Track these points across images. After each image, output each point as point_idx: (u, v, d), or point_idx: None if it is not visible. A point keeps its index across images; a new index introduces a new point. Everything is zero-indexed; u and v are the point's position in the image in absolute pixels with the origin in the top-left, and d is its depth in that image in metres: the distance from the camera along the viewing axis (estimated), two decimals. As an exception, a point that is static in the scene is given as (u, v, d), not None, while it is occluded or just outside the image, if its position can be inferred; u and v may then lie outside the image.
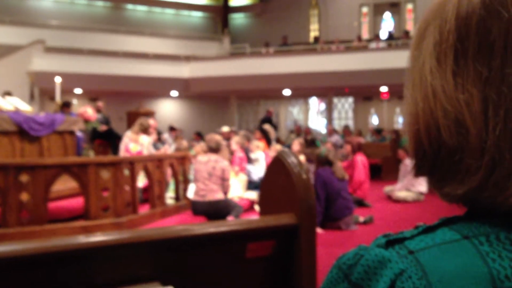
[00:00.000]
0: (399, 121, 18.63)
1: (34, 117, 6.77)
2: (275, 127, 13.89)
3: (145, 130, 7.93)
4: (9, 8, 17.62)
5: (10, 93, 10.29)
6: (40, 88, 15.02)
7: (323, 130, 18.22)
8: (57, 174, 5.20)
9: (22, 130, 6.37)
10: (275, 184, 1.74)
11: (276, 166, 1.72)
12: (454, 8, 0.52)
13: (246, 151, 8.38)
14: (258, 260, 1.60)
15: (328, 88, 17.27)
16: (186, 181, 7.34)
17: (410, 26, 19.81)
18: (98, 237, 1.46)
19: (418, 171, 0.56)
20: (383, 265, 0.47)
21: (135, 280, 1.49)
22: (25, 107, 7.95)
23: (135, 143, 7.87)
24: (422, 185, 8.20)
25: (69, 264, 1.47)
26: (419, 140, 0.53)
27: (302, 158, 7.53)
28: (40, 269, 1.45)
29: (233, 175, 7.18)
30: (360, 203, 7.67)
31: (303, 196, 1.61)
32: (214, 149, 6.13)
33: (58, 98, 9.73)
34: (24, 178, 5.04)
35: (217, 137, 6.36)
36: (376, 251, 0.49)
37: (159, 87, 17.35)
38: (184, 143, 8.54)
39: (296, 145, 8.36)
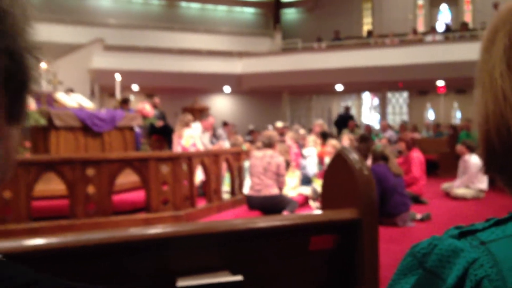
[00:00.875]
0: (457, 116, 18.09)
1: (96, 113, 7.07)
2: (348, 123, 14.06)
3: (186, 124, 8.11)
4: (70, 8, 18.37)
5: (73, 90, 10.78)
6: (100, 85, 15.61)
7: (377, 126, 17.95)
8: (120, 168, 5.44)
9: (86, 126, 6.68)
10: (337, 179, 1.80)
11: (338, 162, 1.77)
12: None
13: (300, 146, 8.43)
14: (321, 253, 1.67)
15: (381, 82, 17.00)
16: (241, 176, 7.47)
17: (468, 17, 19.16)
18: (172, 228, 1.57)
19: (488, 170, 0.60)
20: (456, 254, 0.52)
21: (205, 269, 1.59)
22: (88, 104, 8.32)
23: (186, 139, 8.08)
24: (482, 182, 7.96)
25: (144, 253, 1.58)
26: (489, 140, 0.57)
27: None
28: (117, 257, 1.57)
29: (289, 171, 7.25)
30: (417, 200, 7.54)
31: (364, 192, 1.66)
32: (267, 144, 6.22)
33: (118, 94, 10.10)
34: (90, 172, 5.30)
35: (271, 133, 6.44)
36: (450, 241, 0.54)
37: (212, 83, 17.63)
38: (239, 138, 8.67)
39: (346, 140, 8.31)
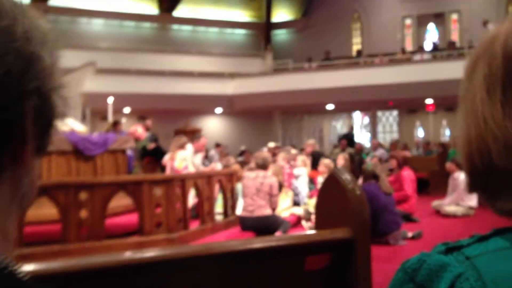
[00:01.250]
0: (446, 134, 18.26)
1: (88, 137, 7.09)
2: (353, 142, 14.30)
3: (181, 146, 8.13)
4: (62, 31, 18.48)
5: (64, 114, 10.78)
6: (92, 108, 15.63)
7: (367, 144, 18.06)
8: (113, 191, 5.45)
9: (78, 150, 6.69)
10: (330, 199, 1.84)
11: (331, 182, 1.81)
12: (501, 47, 0.60)
13: (292, 166, 8.47)
14: (316, 272, 1.69)
15: (372, 101, 17.17)
16: (234, 197, 7.48)
17: (455, 36, 19.48)
18: (168, 251, 1.59)
19: (472, 188, 0.65)
20: (443, 268, 0.57)
21: (202, 290, 1.61)
22: (80, 128, 8.33)
23: (179, 161, 8.09)
24: (472, 199, 8.02)
25: (140, 276, 1.60)
26: (472, 161, 0.62)
27: None
28: (113, 281, 1.58)
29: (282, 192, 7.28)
30: (408, 218, 7.58)
31: (357, 211, 1.70)
32: (261, 166, 6.26)
33: (110, 117, 10.14)
34: (83, 196, 5.30)
35: (265, 154, 6.49)
36: (437, 257, 0.58)
37: (204, 105, 17.71)
38: (231, 159, 8.71)
39: (341, 159, 8.38)
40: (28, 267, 1.40)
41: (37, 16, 0.50)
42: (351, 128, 15.99)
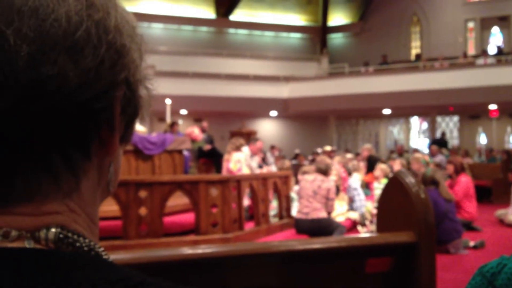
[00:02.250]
0: (511, 141, 17.49)
1: (147, 137, 7.29)
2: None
3: (237, 148, 8.19)
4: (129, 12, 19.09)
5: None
6: (150, 110, 16.06)
7: (425, 150, 17.57)
8: (171, 190, 5.57)
9: (137, 149, 6.89)
10: (392, 203, 1.81)
11: (393, 185, 1.79)
12: None
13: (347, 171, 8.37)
14: (377, 276, 1.67)
15: (431, 106, 16.71)
16: (289, 200, 7.47)
17: (521, 40, 18.65)
18: (231, 247, 1.62)
19: None
20: None
21: (262, 288, 1.62)
22: (140, 128, 8.59)
23: (233, 163, 8.16)
24: (538, 209, 7.64)
25: (204, 271, 1.64)
26: None
27: None
28: (177, 275, 1.62)
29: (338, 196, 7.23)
30: (469, 227, 7.30)
31: (422, 215, 1.67)
32: (323, 171, 6.28)
33: (168, 119, 10.39)
34: (142, 193, 5.46)
35: (328, 160, 6.51)
36: None
37: (259, 108, 17.82)
38: (287, 162, 8.72)
39: (397, 165, 8.20)
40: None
41: (126, 11, 0.52)
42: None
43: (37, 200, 0.44)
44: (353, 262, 1.67)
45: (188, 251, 1.57)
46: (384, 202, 1.85)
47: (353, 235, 5.14)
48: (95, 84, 0.44)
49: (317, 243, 1.66)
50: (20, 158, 0.43)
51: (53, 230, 0.44)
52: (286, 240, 1.66)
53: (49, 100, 0.42)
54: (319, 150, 14.01)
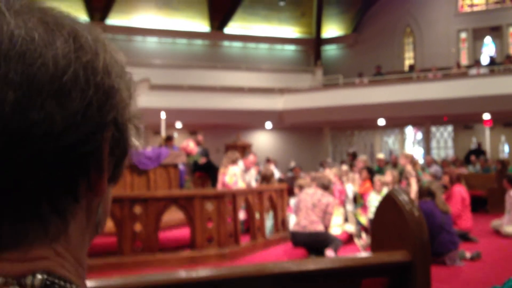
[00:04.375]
0: (505, 150, 17.56)
1: (143, 151, 7.27)
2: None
3: (233, 161, 8.19)
4: (118, 49, 19.14)
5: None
6: (145, 123, 16.04)
7: (421, 160, 17.61)
8: (166, 206, 5.55)
9: (132, 164, 6.86)
10: (387, 220, 1.80)
11: (388, 203, 1.78)
12: None
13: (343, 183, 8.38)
14: (372, 295, 1.66)
15: (425, 117, 16.78)
16: (284, 213, 7.46)
17: (513, 50, 18.81)
18: (223, 270, 1.60)
19: None
20: None
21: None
22: (135, 142, 8.57)
23: (229, 176, 8.16)
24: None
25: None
26: None
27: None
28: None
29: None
30: (465, 237, 7.30)
31: (416, 234, 1.66)
32: (325, 187, 6.32)
33: (163, 132, 10.37)
34: (137, 209, 5.43)
35: (330, 177, 6.56)
36: None
37: (254, 120, 17.84)
38: (270, 168, 8.76)
39: (389, 176, 8.14)
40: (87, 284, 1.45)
41: (115, 50, 0.52)
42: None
43: (24, 246, 0.44)
44: (347, 282, 1.66)
45: (176, 276, 1.56)
46: (378, 220, 1.84)
47: (347, 256, 5.13)
48: (83, 127, 0.44)
49: (311, 264, 1.65)
50: (6, 204, 0.42)
51: (39, 276, 0.43)
52: (280, 262, 1.65)
53: (36, 145, 0.41)
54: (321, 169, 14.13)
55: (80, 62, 0.44)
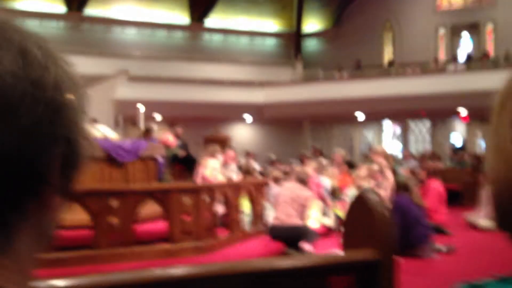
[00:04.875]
0: (481, 145, 17.86)
1: (121, 144, 7.21)
2: None
3: (212, 154, 8.19)
4: (96, 40, 18.90)
5: (97, 120, 11.01)
6: (124, 115, 15.90)
7: (399, 155, 17.82)
8: (143, 199, 5.52)
9: (110, 157, 6.80)
10: (358, 219, 1.83)
11: (359, 202, 1.81)
12: None
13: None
14: (341, 293, 1.69)
15: (403, 111, 16.96)
16: (262, 207, 7.48)
17: (490, 47, 19.09)
18: (193, 269, 1.61)
19: (500, 226, 0.63)
20: None
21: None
22: (112, 135, 8.49)
23: (209, 170, 8.15)
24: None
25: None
26: (500, 200, 0.60)
27: (370, 184, 7.47)
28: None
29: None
30: (440, 231, 7.43)
31: (383, 233, 1.69)
32: (301, 180, 6.36)
33: (141, 125, 10.29)
34: (113, 202, 5.40)
35: (309, 172, 6.61)
36: None
37: (234, 113, 17.81)
38: (252, 163, 8.80)
39: (364, 170, 8.15)
40: (59, 283, 1.44)
41: (67, 63, 0.51)
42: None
43: None
44: (316, 280, 1.69)
45: (146, 274, 1.56)
46: (350, 219, 1.87)
47: (317, 253, 5.19)
48: (32, 144, 0.43)
49: (282, 263, 1.67)
50: None
51: None
52: (251, 260, 1.66)
53: None
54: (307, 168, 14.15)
55: (29, 79, 0.44)
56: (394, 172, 8.88)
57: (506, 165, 0.58)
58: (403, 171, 10.33)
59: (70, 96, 0.49)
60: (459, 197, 11.27)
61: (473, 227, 8.13)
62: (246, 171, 8.00)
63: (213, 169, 7.96)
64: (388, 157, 8.38)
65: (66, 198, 0.53)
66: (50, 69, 0.46)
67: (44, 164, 0.45)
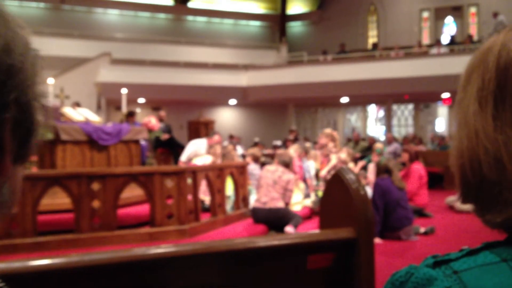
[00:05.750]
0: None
1: (102, 127, 7.14)
2: None
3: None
4: (78, 22, 18.59)
5: (79, 104, 10.88)
6: (107, 98, 15.75)
7: (382, 138, 17.96)
8: (125, 182, 5.49)
9: (92, 140, 6.74)
10: (334, 198, 1.83)
11: (336, 182, 1.81)
12: (495, 59, 0.60)
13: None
14: (319, 271, 1.70)
15: (387, 95, 17.05)
16: (245, 190, 7.49)
17: (473, 30, 19.20)
18: (172, 248, 1.61)
19: (465, 200, 0.65)
20: (430, 282, 0.56)
21: None
22: (94, 118, 8.41)
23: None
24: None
25: (144, 272, 1.62)
26: (464, 173, 0.62)
27: (351, 166, 7.53)
28: (119, 276, 1.60)
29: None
30: (420, 213, 7.54)
31: (361, 212, 1.70)
32: (285, 164, 6.39)
33: (124, 108, 10.19)
34: (95, 186, 5.36)
35: (291, 154, 6.61)
36: (425, 270, 0.58)
37: (218, 96, 17.74)
38: (230, 147, 8.82)
39: (344, 152, 8.18)
40: (38, 262, 1.43)
41: (19, 25, 0.49)
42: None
43: None
44: (295, 259, 1.69)
45: (127, 253, 1.55)
46: (326, 198, 1.88)
47: (296, 232, 5.22)
48: None
49: (260, 242, 1.67)
50: None
51: None
52: (229, 239, 1.66)
53: None
54: (278, 142, 14.08)
55: None
56: (378, 155, 8.95)
57: (469, 138, 0.60)
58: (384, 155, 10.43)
59: (21, 59, 0.47)
60: (441, 180, 11.41)
61: (452, 209, 8.26)
62: (223, 154, 8.00)
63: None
64: (335, 140, 8.39)
65: (22, 164, 0.52)
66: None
67: None
